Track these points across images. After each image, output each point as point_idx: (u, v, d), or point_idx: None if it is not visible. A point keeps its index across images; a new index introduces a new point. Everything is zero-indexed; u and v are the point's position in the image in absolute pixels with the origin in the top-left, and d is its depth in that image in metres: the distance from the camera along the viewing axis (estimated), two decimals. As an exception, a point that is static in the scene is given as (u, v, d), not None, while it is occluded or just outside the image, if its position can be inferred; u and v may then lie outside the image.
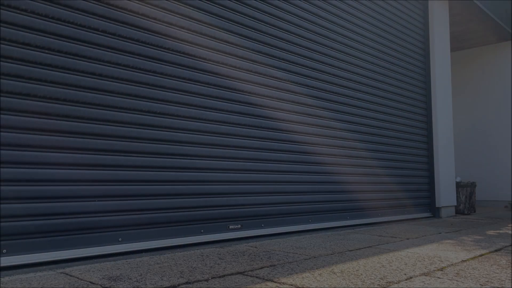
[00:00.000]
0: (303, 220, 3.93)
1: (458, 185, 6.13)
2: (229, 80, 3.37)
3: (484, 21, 7.12)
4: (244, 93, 3.49)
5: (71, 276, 2.04)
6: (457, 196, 6.11)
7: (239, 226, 3.35)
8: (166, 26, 2.98)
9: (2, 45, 2.23)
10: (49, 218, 2.37)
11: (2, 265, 2.16)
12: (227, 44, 3.38)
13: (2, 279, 1.97)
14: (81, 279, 1.97)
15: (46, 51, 2.40)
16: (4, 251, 2.18)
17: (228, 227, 3.27)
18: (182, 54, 3.07)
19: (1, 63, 2.23)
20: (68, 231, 2.44)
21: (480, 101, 8.27)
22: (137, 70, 2.81)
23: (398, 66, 5.41)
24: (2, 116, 2.22)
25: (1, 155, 2.21)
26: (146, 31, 2.87)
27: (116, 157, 2.68)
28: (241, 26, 3.49)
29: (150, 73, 2.88)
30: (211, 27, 3.27)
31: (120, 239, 2.65)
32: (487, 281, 2.04)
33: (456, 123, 8.20)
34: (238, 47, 3.46)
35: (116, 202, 2.65)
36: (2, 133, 2.22)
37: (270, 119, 3.70)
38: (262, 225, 3.54)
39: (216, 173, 3.24)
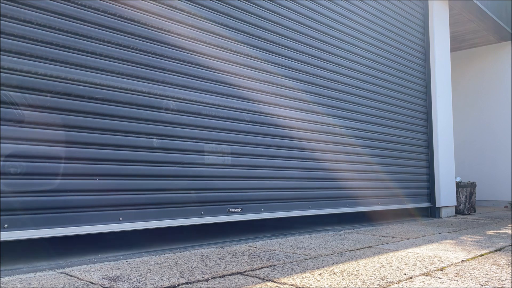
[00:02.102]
0: (303, 206, 3.94)
1: (458, 185, 6.13)
2: (228, 64, 3.38)
3: (484, 21, 7.12)
4: (243, 78, 3.50)
5: (71, 276, 2.04)
6: (457, 196, 6.11)
7: (239, 209, 3.35)
8: (166, 8, 2.99)
9: (2, 22, 2.25)
10: (51, 195, 2.38)
11: (2, 239, 2.17)
12: (226, 28, 3.39)
13: (2, 279, 1.97)
14: (81, 279, 1.97)
15: (47, 29, 2.42)
16: (6, 225, 2.20)
17: (228, 210, 3.28)
18: (182, 37, 3.08)
19: (2, 39, 2.25)
20: (70, 208, 2.45)
21: (480, 101, 8.26)
22: (137, 51, 2.82)
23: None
24: (2, 91, 2.23)
25: (2, 130, 2.23)
26: (147, 13, 2.88)
27: (117, 137, 2.69)
28: (239, 10, 3.50)
29: (151, 55, 2.89)
30: (212, 11, 3.29)
31: (120, 218, 2.66)
32: (487, 281, 2.04)
33: (456, 123, 8.20)
34: (237, 32, 3.47)
35: (117, 181, 2.67)
36: (2, 109, 2.23)
37: (270, 104, 3.71)
38: (262, 209, 3.55)
39: (217, 156, 3.24)
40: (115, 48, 2.71)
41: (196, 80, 3.16)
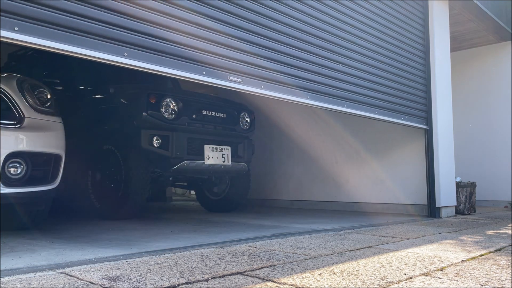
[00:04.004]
0: (302, 94, 3.98)
1: (458, 185, 6.13)
2: None
3: (484, 21, 7.12)
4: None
5: (70, 276, 2.04)
6: (457, 196, 6.11)
7: (240, 80, 3.40)
8: None
9: None
10: (62, 14, 2.39)
11: (11, 37, 2.18)
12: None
13: (2, 279, 1.97)
14: (81, 279, 1.97)
15: None
16: (16, 28, 2.21)
17: (229, 77, 3.33)
18: None
19: None
20: (77, 31, 2.47)
21: (480, 101, 8.26)
22: None
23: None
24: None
25: None
26: None
27: None
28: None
29: None
30: None
31: (125, 54, 2.69)
32: (487, 281, 2.04)
33: (456, 123, 8.20)
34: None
35: (122, 18, 2.70)
36: None
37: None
38: (262, 87, 3.61)
39: (221, 24, 3.31)
40: None
41: None
